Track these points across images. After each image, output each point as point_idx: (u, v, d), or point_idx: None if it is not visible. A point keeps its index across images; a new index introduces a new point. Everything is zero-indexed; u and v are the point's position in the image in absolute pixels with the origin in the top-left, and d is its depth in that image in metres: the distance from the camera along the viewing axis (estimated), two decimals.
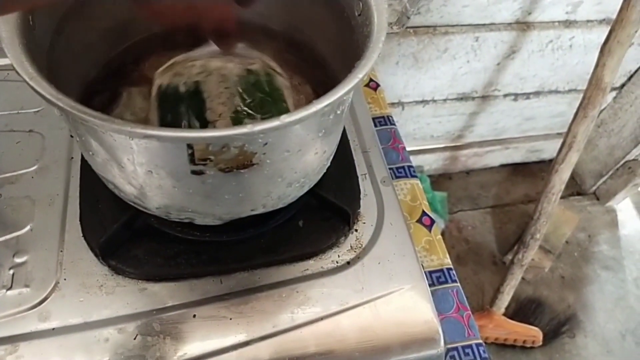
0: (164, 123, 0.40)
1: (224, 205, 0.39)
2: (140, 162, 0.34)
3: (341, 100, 0.33)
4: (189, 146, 0.31)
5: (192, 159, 0.33)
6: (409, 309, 0.46)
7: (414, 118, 1.29)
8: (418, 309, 0.46)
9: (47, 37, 0.39)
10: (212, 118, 0.40)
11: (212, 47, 0.45)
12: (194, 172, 0.34)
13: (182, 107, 0.41)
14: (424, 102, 1.24)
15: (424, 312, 0.46)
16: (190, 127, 0.39)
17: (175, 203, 0.38)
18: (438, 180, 1.56)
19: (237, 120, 0.40)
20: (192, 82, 0.43)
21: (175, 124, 0.40)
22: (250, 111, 0.42)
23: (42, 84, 0.29)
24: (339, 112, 0.38)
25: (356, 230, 0.50)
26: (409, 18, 0.39)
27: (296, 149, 0.37)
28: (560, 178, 0.99)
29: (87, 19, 0.44)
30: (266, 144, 0.33)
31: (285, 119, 0.30)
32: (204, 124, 0.40)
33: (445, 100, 1.24)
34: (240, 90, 0.42)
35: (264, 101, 0.43)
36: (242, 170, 0.35)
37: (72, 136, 0.53)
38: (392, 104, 1.21)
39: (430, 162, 1.52)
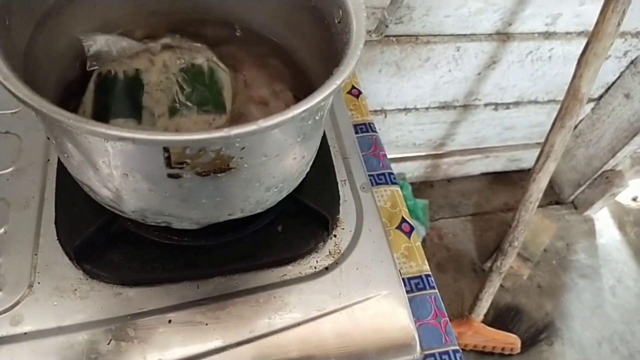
0: (98, 106, 0.42)
1: (201, 209, 0.39)
2: (116, 165, 0.33)
3: (319, 105, 0.33)
4: (165, 149, 0.31)
5: (168, 162, 0.32)
6: (386, 315, 0.46)
7: (396, 126, 1.30)
8: (395, 314, 0.46)
9: (25, 38, 0.39)
10: (148, 104, 0.43)
11: (168, 40, 0.48)
12: (170, 176, 0.34)
13: (118, 91, 0.42)
14: (406, 110, 1.25)
15: (401, 318, 0.46)
16: (121, 111, 0.42)
17: (151, 206, 0.38)
18: (420, 187, 1.57)
19: (172, 110, 0.43)
20: (132, 69, 0.45)
21: (107, 106, 0.42)
22: (187, 102, 0.44)
23: (17, 84, 0.29)
24: (317, 117, 0.38)
25: (335, 236, 0.50)
26: (387, 26, 0.40)
27: (274, 153, 0.37)
28: (538, 187, 1.01)
29: (66, 20, 0.44)
30: (243, 148, 0.33)
31: (262, 123, 0.30)
32: (138, 108, 0.42)
33: (427, 108, 1.26)
34: (180, 81, 0.45)
35: (202, 93, 0.46)
36: (219, 174, 0.35)
37: (48, 138, 0.52)
38: (375, 111, 1.22)
39: (412, 170, 1.53)
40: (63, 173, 0.48)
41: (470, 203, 1.57)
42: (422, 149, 1.44)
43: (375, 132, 0.80)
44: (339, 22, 0.41)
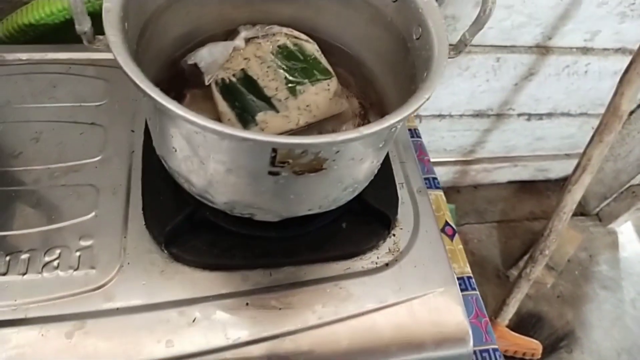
0: (236, 110, 0.48)
1: (287, 204, 0.43)
2: (224, 161, 0.37)
3: (406, 117, 0.37)
4: (274, 149, 0.35)
5: (272, 161, 0.36)
6: (442, 310, 0.50)
7: (429, 131, 1.33)
8: (450, 310, 0.50)
9: (134, 41, 0.43)
10: (271, 94, 0.49)
11: (244, 33, 0.54)
12: (270, 173, 0.38)
13: (242, 93, 0.49)
14: (440, 116, 1.28)
15: (456, 314, 0.50)
16: (256, 106, 0.48)
17: (244, 199, 0.42)
18: (447, 192, 1.59)
19: (292, 90, 0.50)
20: (238, 71, 0.51)
21: (244, 108, 0.47)
22: (297, 79, 0.51)
23: (153, 88, 0.33)
24: (398, 126, 0.42)
25: (394, 235, 0.54)
26: (466, 45, 0.43)
27: (359, 157, 0.40)
28: (573, 198, 1.04)
29: (163, 25, 0.48)
30: (338, 151, 0.37)
31: (364, 131, 0.34)
32: (267, 99, 0.48)
33: (461, 115, 1.29)
34: (280, 64, 0.52)
35: (303, 67, 0.52)
36: (311, 174, 0.39)
37: (132, 131, 0.56)
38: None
39: (441, 175, 1.56)
40: (148, 164, 0.53)
41: (496, 210, 1.59)
42: (452, 154, 1.47)
43: (420, 137, 0.83)
44: (417, 39, 0.45)
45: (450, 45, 0.43)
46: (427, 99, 0.37)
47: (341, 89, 0.54)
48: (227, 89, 0.50)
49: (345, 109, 0.52)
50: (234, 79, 0.51)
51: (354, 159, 0.40)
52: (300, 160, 0.36)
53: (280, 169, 0.37)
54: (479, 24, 0.41)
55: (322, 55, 0.54)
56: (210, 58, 0.50)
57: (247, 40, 0.54)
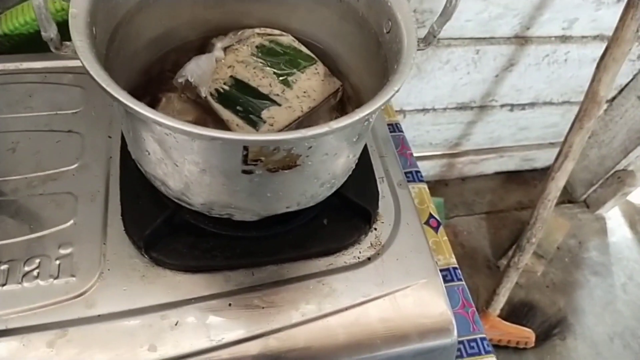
0: (240, 114, 0.49)
1: (264, 202, 0.43)
2: (197, 162, 0.37)
3: (377, 110, 0.37)
4: (245, 147, 0.35)
5: (245, 160, 0.36)
6: (426, 301, 0.50)
7: (414, 126, 1.33)
8: (433, 301, 0.50)
9: (104, 46, 0.43)
10: (267, 91, 0.50)
11: (220, 43, 0.54)
12: (244, 172, 0.38)
13: (240, 97, 0.50)
14: (424, 110, 1.28)
15: (439, 305, 0.50)
16: (258, 105, 0.49)
17: (220, 200, 0.42)
18: (435, 186, 1.61)
19: (285, 82, 0.51)
20: (228, 77, 0.52)
21: (247, 111, 0.49)
22: (286, 70, 0.52)
23: (119, 90, 0.33)
24: (371, 119, 0.42)
25: (375, 229, 0.54)
26: (435, 37, 0.44)
27: (333, 152, 0.40)
28: (556, 185, 1.04)
29: (135, 29, 0.48)
30: (310, 147, 0.37)
31: (334, 125, 0.34)
32: (265, 97, 0.50)
33: (445, 109, 1.29)
34: (264, 62, 0.53)
35: (287, 59, 0.53)
36: (285, 171, 0.39)
37: (109, 137, 0.56)
38: (395, 111, 1.25)
39: (428, 169, 1.57)
40: (126, 169, 0.52)
41: (484, 201, 1.60)
42: (438, 148, 1.48)
43: (402, 132, 0.84)
44: (387, 32, 0.45)
45: (420, 38, 0.44)
46: (397, 91, 0.37)
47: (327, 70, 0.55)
48: (224, 98, 0.51)
49: (339, 85, 0.53)
50: (227, 87, 0.51)
51: (327, 154, 0.40)
52: (272, 158, 0.37)
53: (253, 167, 0.37)
54: (446, 14, 0.41)
55: (300, 44, 0.55)
56: (200, 70, 0.50)
57: (225, 50, 0.54)
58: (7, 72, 0.61)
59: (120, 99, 0.32)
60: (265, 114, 0.49)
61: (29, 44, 0.67)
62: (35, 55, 0.63)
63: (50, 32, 0.36)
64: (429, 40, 0.43)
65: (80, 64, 0.61)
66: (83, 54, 0.35)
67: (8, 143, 0.55)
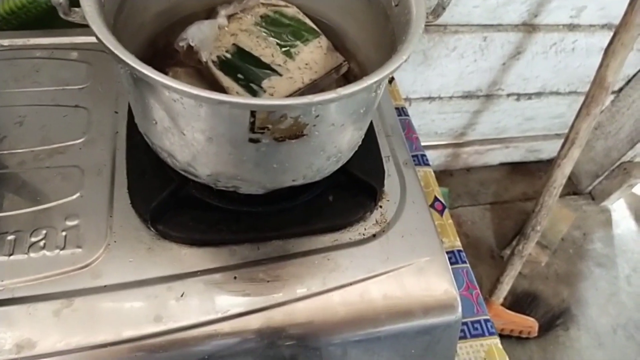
0: (240, 82, 0.49)
1: (270, 173, 0.43)
2: (203, 129, 0.37)
3: (384, 78, 0.37)
4: (252, 114, 0.35)
5: (252, 127, 0.36)
6: (430, 278, 0.50)
7: (419, 114, 1.33)
8: (438, 278, 0.50)
9: (111, 16, 0.43)
10: (269, 60, 0.50)
11: (224, 10, 0.54)
12: (251, 140, 0.38)
13: (241, 66, 0.50)
14: (430, 98, 1.28)
15: (444, 281, 0.50)
16: (259, 74, 0.49)
17: (227, 170, 0.42)
18: (439, 176, 1.61)
19: (288, 53, 0.51)
20: (230, 45, 0.52)
21: (248, 79, 0.48)
22: (289, 42, 0.52)
23: (130, 56, 0.33)
24: (378, 91, 0.42)
25: (381, 207, 0.54)
26: (444, 9, 0.43)
27: (340, 123, 0.40)
28: (562, 172, 1.04)
29: (142, 0, 0.48)
30: (317, 116, 0.37)
31: (341, 91, 0.34)
32: (267, 66, 0.49)
33: (451, 97, 1.29)
34: (268, 32, 0.53)
35: (291, 31, 0.53)
36: (292, 140, 0.39)
37: (116, 112, 0.56)
38: None
39: (433, 159, 1.56)
40: (132, 144, 0.53)
41: (489, 192, 1.60)
42: (443, 137, 1.48)
43: (408, 115, 0.84)
44: (396, 5, 0.45)
45: (428, 11, 0.43)
46: (405, 60, 0.37)
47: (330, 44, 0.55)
48: (226, 65, 0.51)
49: (342, 60, 0.53)
50: (228, 55, 0.51)
51: (334, 124, 0.40)
52: (280, 126, 0.36)
53: (260, 135, 0.37)
54: None
55: (305, 17, 0.54)
56: (201, 35, 0.50)
57: (229, 18, 0.54)
58: (14, 48, 0.61)
59: (129, 62, 0.32)
60: (265, 83, 0.49)
61: (36, 21, 0.67)
62: (43, 32, 0.63)
63: None
64: (437, 12, 0.43)
65: (87, 40, 0.62)
66: (92, 18, 0.35)
67: (15, 117, 0.55)
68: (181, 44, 0.50)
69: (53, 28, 0.64)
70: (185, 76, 0.51)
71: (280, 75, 0.50)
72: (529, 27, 1.12)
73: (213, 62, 0.50)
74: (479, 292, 0.65)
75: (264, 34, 0.52)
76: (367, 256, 0.50)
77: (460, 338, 0.61)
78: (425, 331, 0.49)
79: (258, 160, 0.40)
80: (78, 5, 0.37)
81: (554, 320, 1.37)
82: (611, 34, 1.16)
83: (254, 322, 0.45)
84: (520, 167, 1.66)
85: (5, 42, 0.62)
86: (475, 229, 1.51)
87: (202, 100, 0.32)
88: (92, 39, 0.35)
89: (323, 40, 0.53)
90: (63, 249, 0.46)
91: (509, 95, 1.33)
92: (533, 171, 1.66)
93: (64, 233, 0.47)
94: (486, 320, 0.63)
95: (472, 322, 0.63)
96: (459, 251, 0.69)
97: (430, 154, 1.53)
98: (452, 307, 0.49)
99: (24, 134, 0.53)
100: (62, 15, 0.37)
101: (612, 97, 1.45)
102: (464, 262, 0.68)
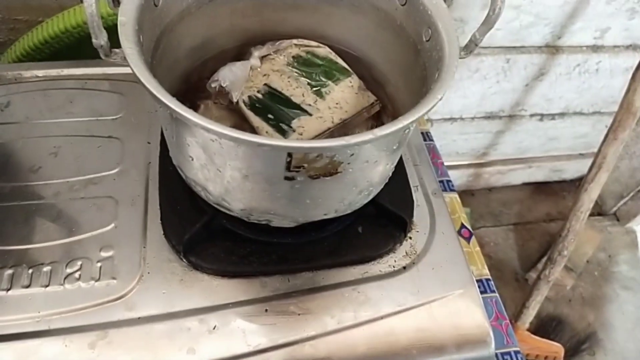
0: (271, 122, 0.50)
1: (303, 208, 0.43)
2: (240, 167, 0.38)
3: (420, 118, 0.37)
4: (289, 154, 0.35)
5: (288, 166, 0.37)
6: (462, 312, 0.49)
7: (441, 134, 1.33)
8: (470, 312, 0.50)
9: (149, 54, 0.44)
10: (299, 100, 0.51)
11: (257, 52, 0.55)
12: (286, 178, 0.38)
13: (272, 106, 0.50)
14: (452, 119, 1.28)
15: (476, 316, 0.50)
16: (289, 114, 0.49)
17: (260, 205, 0.42)
18: (461, 196, 1.59)
19: (319, 93, 0.52)
20: (262, 85, 0.53)
21: (278, 119, 0.49)
22: (320, 82, 0.53)
23: (170, 97, 0.34)
24: (411, 127, 0.42)
25: (410, 238, 0.54)
26: (476, 45, 0.43)
27: (373, 160, 0.41)
28: (589, 197, 1.03)
29: (176, 37, 0.49)
30: (352, 154, 0.37)
31: (378, 132, 0.34)
32: (297, 107, 0.50)
33: (473, 118, 1.28)
34: (299, 72, 0.53)
35: (322, 71, 0.54)
36: (327, 178, 0.39)
37: (149, 143, 0.57)
38: None
39: (454, 179, 1.55)
40: (165, 175, 0.53)
41: (512, 212, 1.58)
42: (465, 157, 1.47)
43: (432, 140, 0.84)
44: (427, 40, 0.45)
45: (460, 47, 0.44)
46: (440, 99, 0.37)
47: (362, 84, 0.55)
48: (256, 105, 0.52)
49: (373, 100, 0.53)
50: (259, 95, 0.52)
51: (368, 161, 0.40)
52: (315, 164, 0.37)
53: (296, 173, 0.37)
54: (488, 23, 0.41)
55: (337, 56, 0.55)
56: (233, 76, 0.51)
57: (261, 59, 0.55)
58: (48, 79, 0.63)
59: (170, 104, 0.33)
60: (295, 123, 0.50)
61: (68, 51, 0.69)
62: (76, 62, 0.65)
63: (100, 39, 0.37)
64: (470, 48, 0.43)
65: (120, 71, 0.63)
66: (133, 60, 0.36)
67: (50, 147, 0.56)
68: (213, 85, 0.51)
69: (85, 56, 0.65)
70: (217, 110, 0.52)
71: (310, 115, 0.50)
72: (552, 49, 1.12)
73: (244, 102, 0.51)
74: (509, 322, 0.64)
75: (296, 74, 0.53)
76: (398, 289, 0.50)
77: None
78: None
79: (292, 196, 0.41)
80: (117, 44, 0.38)
81: (579, 345, 1.34)
82: (636, 54, 1.16)
83: (286, 356, 0.45)
84: (544, 187, 1.64)
85: (40, 73, 0.63)
86: (499, 251, 1.49)
87: (240, 142, 0.33)
88: (124, 70, 0.36)
89: (354, 80, 0.54)
90: (98, 280, 0.47)
91: (532, 115, 1.32)
92: (556, 191, 1.64)
93: (98, 264, 0.48)
94: (516, 352, 0.62)
95: (502, 354, 0.62)
96: (487, 280, 0.68)
97: (451, 174, 1.52)
98: (485, 342, 0.49)
99: (58, 164, 0.55)
100: (103, 57, 0.38)
101: (637, 120, 1.43)
102: (493, 291, 0.68)
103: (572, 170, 1.61)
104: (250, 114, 0.50)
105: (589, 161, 1.10)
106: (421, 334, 0.48)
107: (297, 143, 0.33)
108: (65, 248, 0.49)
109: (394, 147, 0.42)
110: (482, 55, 1.08)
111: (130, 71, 0.36)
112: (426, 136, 0.83)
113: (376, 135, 0.34)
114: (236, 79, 0.51)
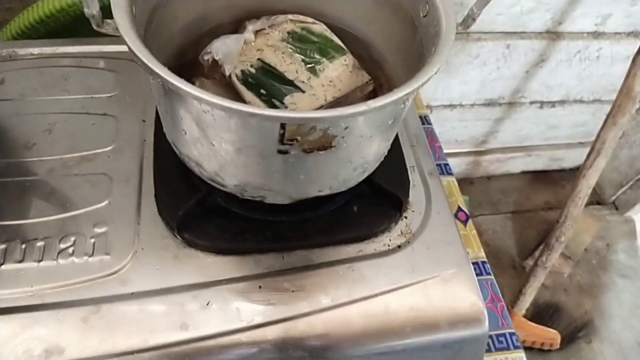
0: (263, 97, 0.49)
1: (297, 184, 0.43)
2: (233, 140, 0.38)
3: (415, 91, 0.37)
4: (282, 126, 0.35)
5: (281, 139, 0.36)
6: (457, 291, 0.49)
7: (440, 122, 1.32)
8: (465, 291, 0.49)
9: (142, 28, 0.44)
10: (293, 77, 0.50)
11: (252, 26, 0.54)
12: (280, 152, 0.38)
13: (265, 81, 0.49)
14: (451, 106, 1.27)
15: (470, 295, 0.49)
16: (282, 90, 0.48)
17: (254, 181, 0.42)
18: (460, 184, 1.58)
19: (313, 70, 0.51)
20: (255, 60, 0.52)
21: (270, 95, 0.48)
22: (314, 59, 0.52)
23: (162, 67, 0.33)
24: (407, 102, 0.42)
25: (406, 218, 0.54)
26: (474, 20, 0.43)
27: (368, 134, 0.40)
28: (588, 183, 1.02)
29: (171, 12, 0.49)
30: (347, 127, 0.37)
31: (371, 104, 0.34)
32: (291, 83, 0.49)
33: (472, 105, 1.28)
34: (294, 48, 0.53)
35: (317, 48, 0.53)
36: (320, 152, 0.39)
37: (143, 121, 0.57)
38: None
39: (453, 166, 1.54)
40: (160, 152, 0.53)
41: (510, 201, 1.58)
42: (464, 145, 1.46)
43: (431, 124, 0.83)
44: (424, 16, 0.45)
45: (458, 22, 0.43)
46: (435, 72, 0.37)
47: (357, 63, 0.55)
48: (249, 80, 0.51)
49: (367, 79, 0.53)
50: (252, 70, 0.52)
51: (362, 136, 0.40)
52: (309, 137, 0.36)
53: (289, 146, 0.37)
54: None
55: (332, 34, 0.54)
56: (226, 49, 0.50)
57: (256, 33, 0.54)
58: (44, 56, 0.62)
59: (162, 74, 0.33)
60: (287, 99, 0.49)
61: (64, 30, 0.68)
62: (71, 40, 0.64)
63: (92, 9, 0.36)
64: (467, 23, 0.43)
65: (115, 49, 0.63)
66: (124, 30, 0.35)
67: (44, 124, 0.56)
68: (206, 57, 0.50)
69: (81, 36, 0.65)
70: (213, 86, 0.52)
71: (303, 92, 0.50)
72: (553, 35, 1.11)
73: (237, 76, 0.50)
74: (504, 304, 0.65)
75: (290, 50, 0.52)
76: (392, 267, 0.50)
77: (485, 352, 0.60)
78: (450, 345, 0.48)
79: (285, 171, 0.40)
80: (110, 17, 0.38)
81: (576, 332, 1.34)
82: (637, 41, 1.15)
83: (279, 332, 0.45)
84: (543, 175, 1.64)
85: (35, 50, 0.63)
86: (496, 238, 1.49)
87: (233, 112, 0.33)
88: (119, 48, 0.35)
89: (349, 58, 0.53)
90: (91, 255, 0.47)
91: (531, 103, 1.32)
92: (556, 180, 1.63)
93: (92, 240, 0.48)
94: (511, 334, 0.62)
95: (497, 336, 0.62)
96: (483, 262, 0.68)
97: (450, 162, 1.52)
98: (479, 320, 0.49)
99: (53, 141, 0.54)
100: (95, 27, 0.38)
101: (637, 105, 1.42)
102: (489, 273, 0.68)
103: (572, 159, 1.61)
104: (242, 89, 0.49)
105: (589, 150, 1.10)
106: (415, 312, 0.48)
107: (290, 113, 0.33)
108: (58, 224, 0.48)
109: (390, 122, 0.42)
110: (483, 40, 1.08)
111: (125, 49, 0.35)
112: (424, 120, 0.83)
113: (369, 107, 0.33)
114: (229, 52, 0.50)
